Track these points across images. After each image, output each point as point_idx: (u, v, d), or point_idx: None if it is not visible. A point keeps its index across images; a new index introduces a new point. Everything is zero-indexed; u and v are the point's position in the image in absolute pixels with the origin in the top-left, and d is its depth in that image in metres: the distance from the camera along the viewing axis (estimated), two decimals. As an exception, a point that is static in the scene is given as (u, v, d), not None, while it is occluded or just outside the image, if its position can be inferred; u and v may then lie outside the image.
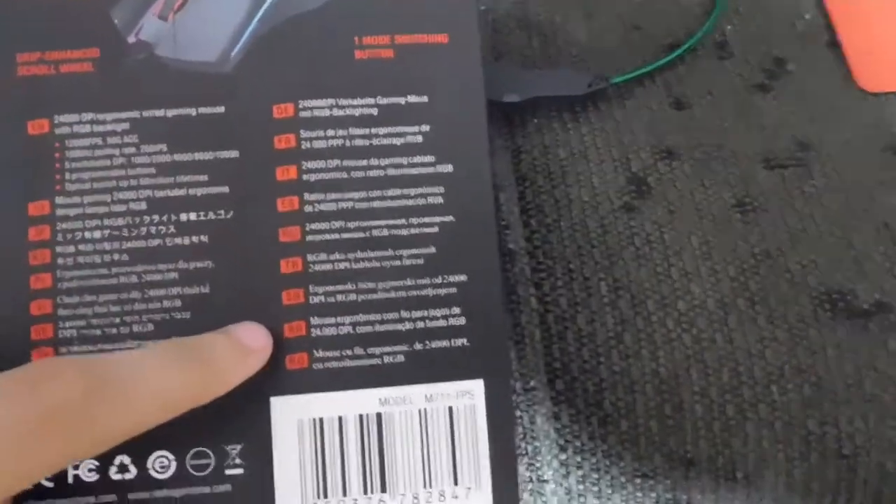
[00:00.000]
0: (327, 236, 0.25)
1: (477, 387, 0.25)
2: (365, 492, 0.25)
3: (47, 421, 0.19)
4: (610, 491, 0.28)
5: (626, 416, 0.28)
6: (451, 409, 0.25)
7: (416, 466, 0.25)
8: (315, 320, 0.25)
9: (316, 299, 0.25)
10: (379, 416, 0.25)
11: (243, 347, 0.24)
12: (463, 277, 0.26)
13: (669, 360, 0.28)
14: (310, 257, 0.25)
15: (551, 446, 0.28)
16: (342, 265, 0.25)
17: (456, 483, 0.25)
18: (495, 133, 0.30)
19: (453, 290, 0.26)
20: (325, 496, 0.25)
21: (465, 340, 0.25)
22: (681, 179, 0.30)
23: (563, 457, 0.28)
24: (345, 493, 0.24)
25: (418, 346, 0.25)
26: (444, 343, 0.25)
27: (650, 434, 0.27)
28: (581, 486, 0.28)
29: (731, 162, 0.30)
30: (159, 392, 0.21)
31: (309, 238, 0.25)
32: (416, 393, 0.25)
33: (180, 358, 0.22)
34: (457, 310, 0.26)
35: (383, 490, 0.25)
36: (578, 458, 0.28)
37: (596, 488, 0.28)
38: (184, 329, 0.24)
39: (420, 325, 0.25)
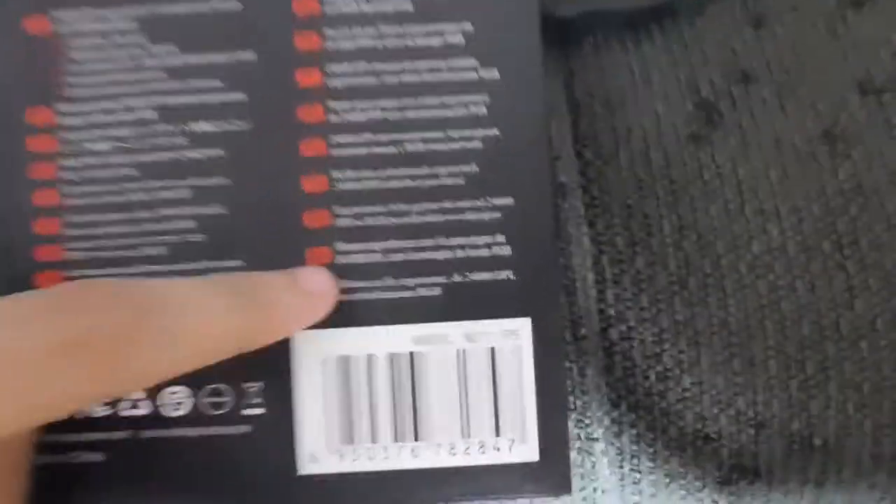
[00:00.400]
0: (355, 150, 0.23)
1: (523, 326, 0.22)
2: (396, 439, 0.22)
3: (75, 351, 0.17)
4: (667, 453, 0.25)
5: (688, 371, 0.25)
6: (493, 350, 0.22)
7: (453, 414, 0.22)
8: (341, 246, 0.23)
9: (342, 222, 0.23)
10: (412, 355, 0.22)
11: (306, 292, 0.22)
12: (509, 201, 0.23)
13: (740, 309, 0.24)
14: (335, 174, 0.23)
15: (602, 401, 0.25)
16: (371, 184, 0.23)
17: (498, 434, 0.22)
18: (545, 52, 0.27)
19: (497, 214, 0.23)
20: (352, 441, 0.22)
21: (510, 273, 0.23)
22: (758, 106, 0.26)
23: (615, 414, 0.25)
24: (373, 440, 0.22)
25: (457, 278, 0.23)
26: (487, 275, 0.23)
27: (716, 392, 0.24)
28: (634, 447, 0.25)
29: (819, 87, 0.26)
30: (209, 334, 0.19)
31: (334, 152, 0.23)
32: (455, 331, 0.22)
33: (236, 297, 0.20)
34: (501, 238, 0.23)
35: (416, 438, 0.22)
36: (632, 416, 0.25)
37: (651, 450, 0.25)
38: (199, 253, 0.22)
39: (459, 253, 0.23)
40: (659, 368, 0.25)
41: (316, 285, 0.22)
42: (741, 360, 0.24)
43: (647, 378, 0.25)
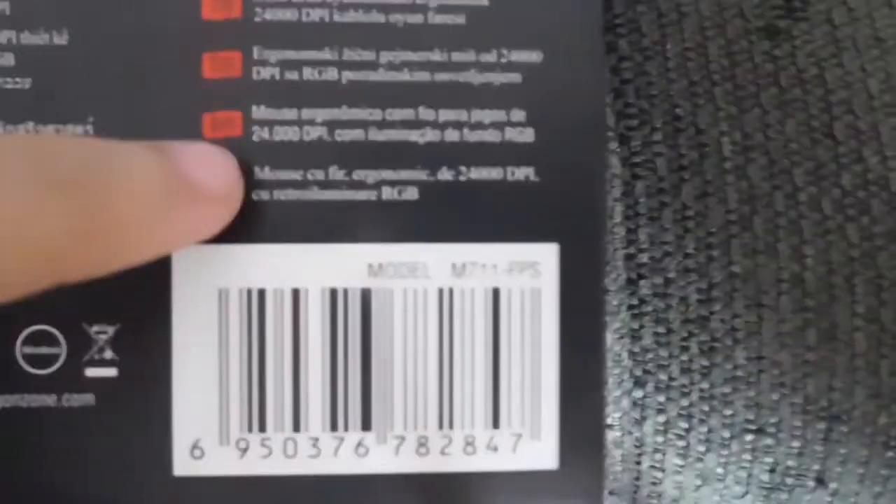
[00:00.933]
0: None
1: (546, 257, 0.16)
2: (333, 427, 0.15)
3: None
4: (703, 449, 0.19)
5: (742, 343, 0.18)
6: (495, 292, 0.16)
7: (427, 390, 0.16)
8: (259, 110, 0.16)
9: (262, 71, 0.16)
10: (365, 294, 0.16)
11: (190, 185, 0.15)
12: (535, 55, 0.16)
13: (821, 261, 0.18)
14: None
15: (623, 378, 0.19)
16: (314, 12, 0.16)
17: (496, 425, 0.16)
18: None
19: (515, 76, 0.16)
20: (262, 428, 0.16)
21: (530, 171, 0.16)
22: (854, -6, 0.19)
23: (638, 394, 0.19)
24: (296, 427, 0.15)
25: (445, 175, 0.16)
26: (493, 173, 0.16)
27: (778, 372, 0.18)
28: (660, 439, 0.20)
29: (937, -30, 0.20)
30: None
31: None
32: (436, 259, 0.16)
33: (60, 188, 0.13)
34: (519, 113, 0.16)
35: (365, 426, 0.16)
36: (661, 399, 0.19)
37: (682, 443, 0.19)
38: (20, 108, 0.16)
39: (451, 135, 0.16)
40: (703, 337, 0.19)
41: (208, 174, 0.15)
42: (817, 330, 0.18)
43: (685, 349, 0.19)
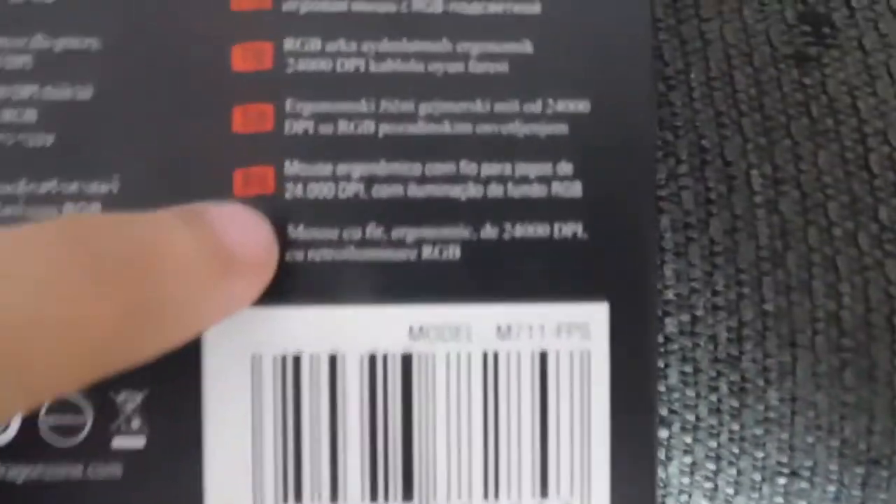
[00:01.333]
0: (312, 5, 0.15)
1: (596, 317, 0.15)
2: (373, 496, 0.15)
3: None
4: (732, 491, 0.19)
5: (775, 383, 0.18)
6: (543, 355, 0.15)
7: (472, 458, 0.15)
8: (293, 165, 0.15)
9: (295, 125, 0.15)
10: (406, 358, 0.15)
11: (227, 254, 0.14)
12: (582, 105, 0.15)
13: (859, 299, 0.17)
14: (288, 41, 0.15)
15: None
16: (349, 62, 0.15)
17: (544, 495, 0.15)
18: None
19: (561, 127, 0.15)
20: (298, 498, 0.15)
21: (578, 227, 0.15)
22: (886, 20, 0.19)
23: (663, 434, 0.19)
24: (334, 497, 0.15)
25: (489, 233, 0.15)
26: (539, 228, 0.15)
27: (814, 414, 0.18)
28: (686, 480, 0.19)
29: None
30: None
31: (285, 7, 0.15)
32: (479, 319, 0.15)
33: (92, 268, 0.12)
34: (567, 167, 0.15)
35: (406, 496, 0.15)
36: (688, 439, 0.18)
37: (710, 485, 0.19)
38: (45, 167, 0.15)
39: (495, 190, 0.15)
40: (734, 377, 0.18)
41: (246, 241, 0.14)
42: (855, 371, 0.17)
43: (714, 389, 0.18)
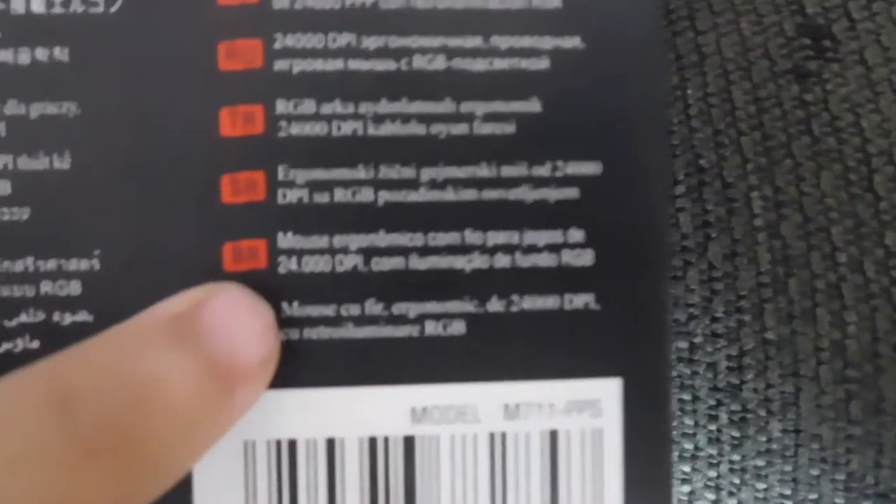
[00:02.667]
0: (305, 64, 0.14)
1: (608, 392, 0.14)
2: None
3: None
4: (732, 524, 0.18)
5: (777, 415, 0.17)
6: (552, 435, 0.14)
7: None
8: (287, 238, 0.14)
9: (288, 194, 0.14)
10: (408, 442, 0.14)
11: (226, 372, 0.13)
12: (593, 167, 0.14)
13: (865, 328, 0.17)
14: (280, 104, 0.14)
15: None
16: (345, 125, 0.14)
17: None
18: None
19: (572, 192, 0.14)
20: None
21: (590, 298, 0.14)
22: (888, 32, 0.18)
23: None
24: None
25: (496, 306, 0.14)
26: (549, 301, 0.14)
27: (818, 446, 0.17)
28: (685, 511, 0.18)
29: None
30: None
31: (277, 67, 0.14)
32: (485, 399, 0.14)
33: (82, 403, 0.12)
34: (577, 234, 0.14)
35: None
36: (686, 468, 0.18)
37: (709, 518, 0.18)
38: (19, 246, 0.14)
39: (501, 260, 0.14)
40: (734, 407, 0.17)
41: (243, 344, 0.13)
42: (862, 403, 0.17)
43: (714, 419, 0.17)
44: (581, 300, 0.14)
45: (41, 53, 0.14)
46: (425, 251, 0.14)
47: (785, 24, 0.18)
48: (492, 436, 0.14)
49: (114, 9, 0.14)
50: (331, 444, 0.14)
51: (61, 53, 0.14)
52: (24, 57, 0.14)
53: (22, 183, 0.14)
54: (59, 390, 0.12)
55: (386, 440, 0.14)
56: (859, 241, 0.17)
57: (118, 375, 0.12)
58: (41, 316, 0.14)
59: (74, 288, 0.14)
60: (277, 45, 0.14)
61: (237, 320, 0.13)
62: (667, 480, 0.14)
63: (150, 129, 0.14)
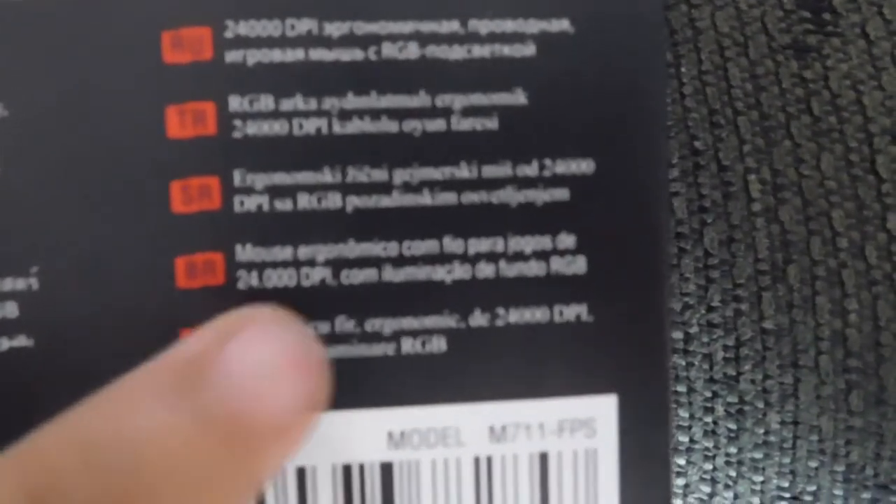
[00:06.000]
0: (261, 55, 0.13)
1: (603, 410, 0.13)
2: None
3: None
4: (729, 517, 0.17)
5: (776, 406, 0.16)
6: (542, 457, 0.13)
7: None
8: (246, 250, 0.13)
9: (246, 201, 0.13)
10: (386, 469, 0.13)
11: (243, 433, 0.11)
12: (585, 165, 0.13)
13: (866, 316, 0.16)
14: (234, 102, 0.13)
15: None
16: (308, 123, 0.13)
17: None
18: None
19: (561, 193, 0.13)
20: None
21: (582, 309, 0.13)
22: (890, 3, 0.17)
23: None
24: None
25: (479, 320, 0.13)
26: (537, 313, 0.13)
27: (818, 438, 0.16)
28: (679, 503, 0.18)
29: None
30: None
31: (229, 58, 0.13)
32: (469, 420, 0.13)
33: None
34: (568, 239, 0.13)
35: None
36: (681, 461, 0.18)
37: (707, 509, 0.17)
38: None
39: (485, 270, 0.13)
40: (731, 399, 0.17)
41: (273, 390, 0.11)
42: (862, 393, 0.16)
43: (710, 411, 0.17)
44: (572, 312, 0.13)
45: None
46: (400, 262, 0.13)
47: (783, -3, 0.17)
48: (477, 460, 0.13)
49: None
50: (301, 473, 0.13)
51: None
52: None
53: None
54: (36, 482, 0.10)
55: (361, 467, 0.13)
56: (861, 225, 0.16)
57: (106, 451, 0.10)
58: None
59: (10, 310, 0.12)
60: (229, 34, 0.12)
61: (263, 361, 0.11)
62: (667, 503, 0.13)
63: (88, 131, 0.12)
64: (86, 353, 0.13)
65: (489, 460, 0.13)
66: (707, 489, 0.18)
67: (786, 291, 0.16)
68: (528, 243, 0.13)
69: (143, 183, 0.12)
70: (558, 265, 0.13)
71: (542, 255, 0.13)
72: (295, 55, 0.13)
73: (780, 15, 0.17)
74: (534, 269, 0.13)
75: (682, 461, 0.18)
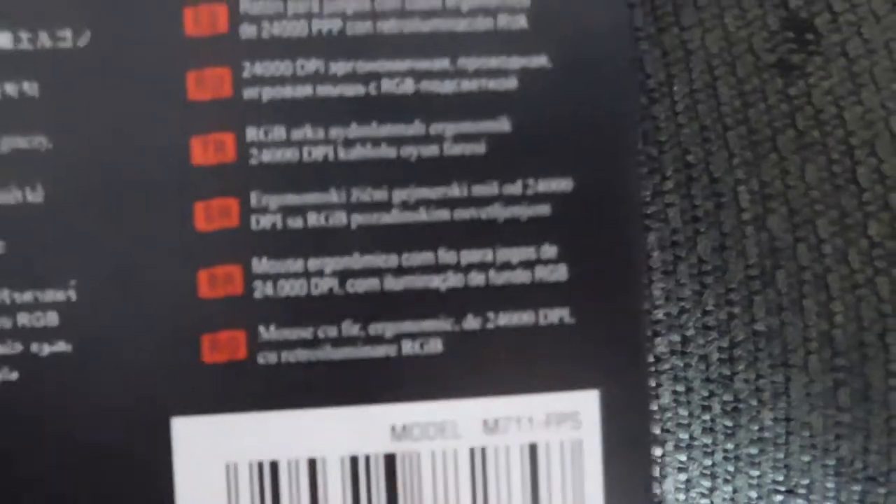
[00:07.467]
0: (274, 92, 0.14)
1: (586, 404, 0.14)
2: None
3: None
4: (727, 509, 0.18)
5: (769, 404, 0.17)
6: (532, 448, 0.14)
7: None
8: (261, 263, 0.14)
9: (263, 221, 0.14)
10: (389, 459, 0.14)
11: None
12: (564, 184, 0.15)
13: (851, 318, 0.17)
14: (251, 131, 0.14)
15: None
16: (316, 150, 0.14)
17: None
18: None
19: (544, 208, 0.15)
20: None
21: (565, 312, 0.15)
22: (869, 24, 0.18)
23: (657, 452, 0.18)
24: None
25: (472, 324, 0.14)
26: (524, 316, 0.14)
27: (809, 433, 0.17)
28: (682, 497, 0.19)
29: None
30: None
31: (246, 95, 0.14)
32: (465, 415, 0.14)
33: None
34: (550, 250, 0.14)
35: None
36: (682, 458, 0.18)
37: (706, 501, 0.18)
38: None
39: (476, 278, 0.14)
40: (727, 397, 0.18)
41: None
42: (850, 390, 0.17)
43: (707, 409, 0.18)
44: (556, 315, 0.14)
45: (11, 88, 0.14)
46: (400, 272, 0.14)
47: (768, 18, 0.18)
48: (472, 451, 0.14)
49: (82, 43, 0.14)
50: (312, 464, 0.14)
51: (31, 88, 0.14)
52: None
53: None
54: None
55: (367, 458, 0.14)
56: (844, 232, 0.17)
57: None
58: (19, 347, 0.14)
59: (52, 319, 0.14)
60: (246, 74, 0.14)
61: None
62: (648, 488, 0.14)
63: (122, 160, 0.14)
64: (118, 356, 0.14)
65: (483, 451, 0.14)
66: (707, 483, 0.19)
67: (775, 295, 0.17)
68: (514, 254, 0.14)
69: (170, 204, 0.14)
70: (542, 273, 0.14)
71: (528, 265, 0.14)
72: (304, 91, 0.14)
73: (766, 36, 0.18)
74: (520, 276, 0.14)
75: (682, 457, 0.19)
